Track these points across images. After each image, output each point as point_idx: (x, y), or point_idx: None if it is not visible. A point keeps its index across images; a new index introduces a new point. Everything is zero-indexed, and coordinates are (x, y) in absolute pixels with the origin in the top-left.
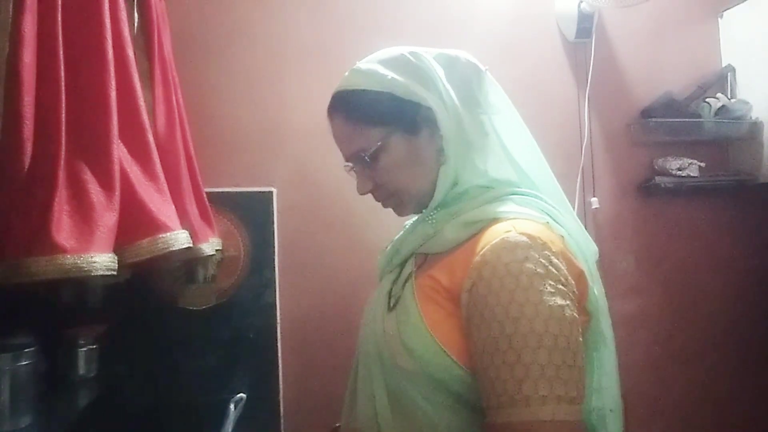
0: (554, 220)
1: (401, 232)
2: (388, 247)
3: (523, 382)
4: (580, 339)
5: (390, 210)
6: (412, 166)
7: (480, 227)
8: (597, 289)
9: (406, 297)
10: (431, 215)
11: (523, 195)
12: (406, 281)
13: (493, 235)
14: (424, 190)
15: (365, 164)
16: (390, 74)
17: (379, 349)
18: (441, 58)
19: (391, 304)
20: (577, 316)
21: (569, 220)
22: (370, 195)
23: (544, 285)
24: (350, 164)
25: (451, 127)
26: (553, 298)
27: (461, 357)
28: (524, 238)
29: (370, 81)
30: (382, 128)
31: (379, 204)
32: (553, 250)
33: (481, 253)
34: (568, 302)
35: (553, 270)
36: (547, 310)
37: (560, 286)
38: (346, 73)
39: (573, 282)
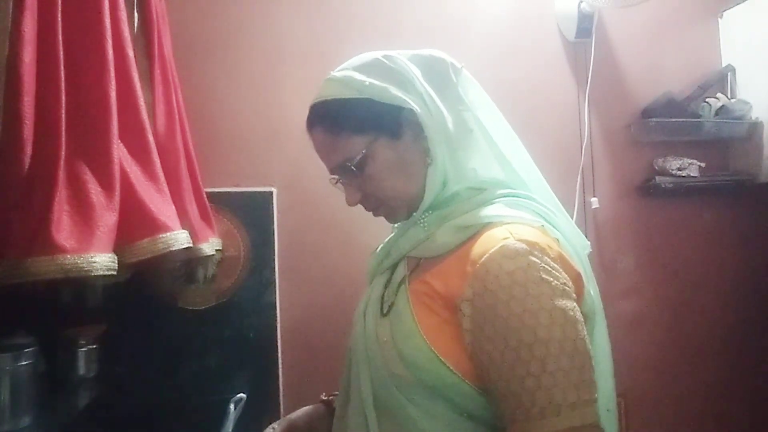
0: (548, 221)
1: (392, 234)
2: (379, 249)
3: (552, 391)
4: (588, 338)
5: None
6: (399, 171)
7: (473, 231)
8: (592, 290)
9: (399, 302)
10: (422, 218)
11: (514, 197)
12: (399, 286)
13: (490, 242)
14: (414, 194)
15: (352, 174)
16: (367, 80)
17: (369, 355)
18: (415, 58)
19: (384, 310)
20: (581, 316)
21: (560, 217)
22: None
23: (552, 290)
24: (336, 177)
25: (436, 127)
26: (563, 302)
27: (456, 365)
28: (523, 245)
29: (347, 89)
30: (366, 135)
31: None
32: (551, 255)
33: (480, 261)
34: (573, 303)
35: (555, 273)
36: (560, 314)
37: (566, 288)
38: (322, 84)
39: (572, 285)
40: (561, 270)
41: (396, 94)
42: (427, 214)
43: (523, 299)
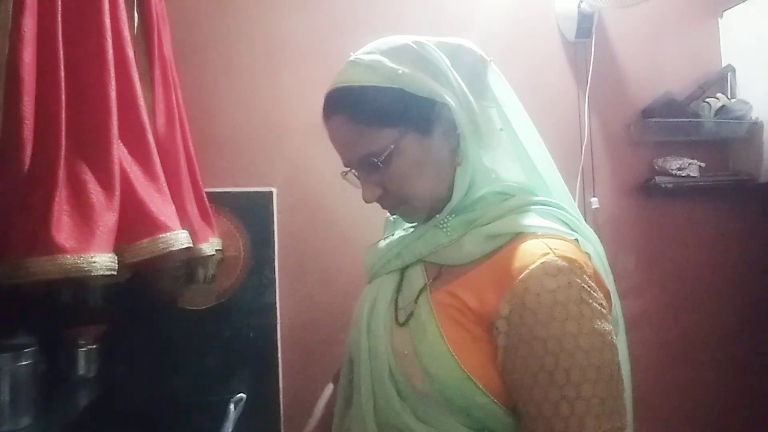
0: (578, 232)
1: (399, 231)
2: (382, 245)
3: (585, 419)
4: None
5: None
6: (426, 169)
7: (504, 241)
8: (617, 304)
9: (421, 313)
10: (444, 221)
11: (545, 206)
12: (419, 294)
13: (529, 257)
14: (439, 195)
15: (373, 170)
16: (400, 68)
17: (373, 364)
18: (443, 47)
19: (401, 318)
20: (616, 341)
21: (584, 225)
22: None
23: (592, 312)
24: (348, 169)
25: (468, 125)
26: (602, 326)
27: (488, 385)
28: (564, 263)
29: (376, 75)
30: (395, 129)
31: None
32: (588, 272)
33: (520, 278)
34: (611, 326)
35: (594, 294)
36: (599, 339)
37: (603, 311)
38: (344, 67)
39: (606, 304)
40: (597, 289)
41: (432, 86)
42: (449, 218)
43: (564, 321)
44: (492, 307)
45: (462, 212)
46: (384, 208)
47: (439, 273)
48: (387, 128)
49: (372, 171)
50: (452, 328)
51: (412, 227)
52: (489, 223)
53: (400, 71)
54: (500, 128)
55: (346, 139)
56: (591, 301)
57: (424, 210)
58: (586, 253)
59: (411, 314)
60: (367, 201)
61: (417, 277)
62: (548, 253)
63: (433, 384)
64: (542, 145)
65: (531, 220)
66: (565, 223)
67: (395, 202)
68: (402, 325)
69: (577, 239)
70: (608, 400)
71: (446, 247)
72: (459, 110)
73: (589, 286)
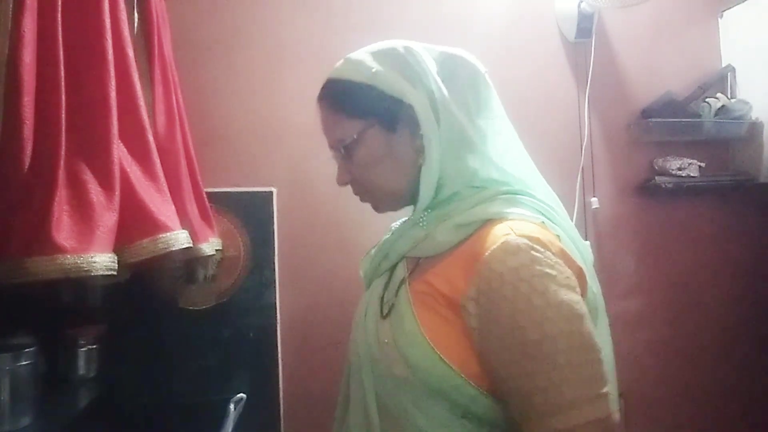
0: (548, 218)
1: (387, 236)
2: (373, 251)
3: (562, 387)
4: (595, 331)
5: (390, 210)
6: (386, 163)
7: (473, 229)
8: (595, 287)
9: (400, 303)
10: (421, 218)
11: (515, 194)
12: (399, 287)
13: (491, 239)
14: (399, 189)
15: (343, 156)
16: (375, 67)
17: (371, 358)
18: (440, 56)
19: (385, 311)
20: (587, 310)
21: (561, 215)
22: None
23: (557, 284)
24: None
25: (434, 128)
26: (569, 296)
27: (461, 366)
28: (525, 240)
29: (355, 72)
30: (360, 121)
31: None
32: (553, 250)
33: (483, 259)
34: (579, 297)
35: (559, 267)
36: (567, 309)
37: (569, 281)
38: (339, 62)
39: (576, 279)
40: (564, 264)
41: (400, 87)
42: (426, 214)
43: (529, 295)
44: (460, 290)
45: (438, 208)
46: (355, 194)
47: (417, 265)
48: (354, 119)
49: (342, 156)
50: (426, 314)
51: (399, 227)
52: (459, 214)
53: (374, 69)
54: (484, 136)
55: (325, 123)
56: (555, 273)
57: (385, 202)
58: (556, 235)
59: (392, 306)
60: (338, 183)
61: (399, 272)
62: (509, 234)
63: (410, 369)
64: (526, 155)
65: (498, 207)
66: (534, 209)
67: (359, 189)
68: (385, 317)
69: (543, 222)
70: (584, 367)
71: (423, 240)
72: (427, 113)
73: (552, 261)
